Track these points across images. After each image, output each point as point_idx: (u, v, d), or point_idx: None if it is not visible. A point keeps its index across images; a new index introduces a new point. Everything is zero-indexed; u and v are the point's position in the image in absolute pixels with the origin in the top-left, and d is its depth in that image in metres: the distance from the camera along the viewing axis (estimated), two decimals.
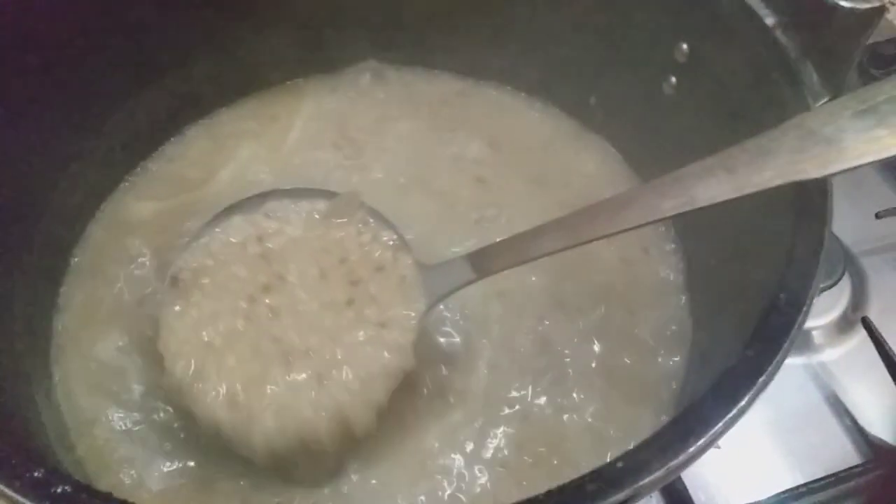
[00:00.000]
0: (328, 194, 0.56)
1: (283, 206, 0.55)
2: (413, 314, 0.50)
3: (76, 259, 0.63)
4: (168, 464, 0.52)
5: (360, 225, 0.54)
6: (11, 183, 0.55)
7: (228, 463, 0.51)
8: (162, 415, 0.54)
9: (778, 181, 0.40)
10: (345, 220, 0.54)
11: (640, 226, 0.44)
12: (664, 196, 0.43)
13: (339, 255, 0.53)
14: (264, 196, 0.55)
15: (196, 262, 0.52)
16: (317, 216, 0.55)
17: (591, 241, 0.46)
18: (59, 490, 0.33)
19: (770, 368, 0.37)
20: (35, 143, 0.57)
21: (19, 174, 0.56)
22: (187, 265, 0.52)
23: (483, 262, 0.50)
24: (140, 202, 0.67)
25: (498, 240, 0.51)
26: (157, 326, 0.50)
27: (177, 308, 0.50)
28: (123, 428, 0.54)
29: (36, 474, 0.33)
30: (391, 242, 0.54)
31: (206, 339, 0.49)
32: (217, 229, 0.54)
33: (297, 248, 0.53)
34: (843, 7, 0.45)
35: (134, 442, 0.53)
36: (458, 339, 0.58)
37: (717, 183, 0.42)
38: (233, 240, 0.53)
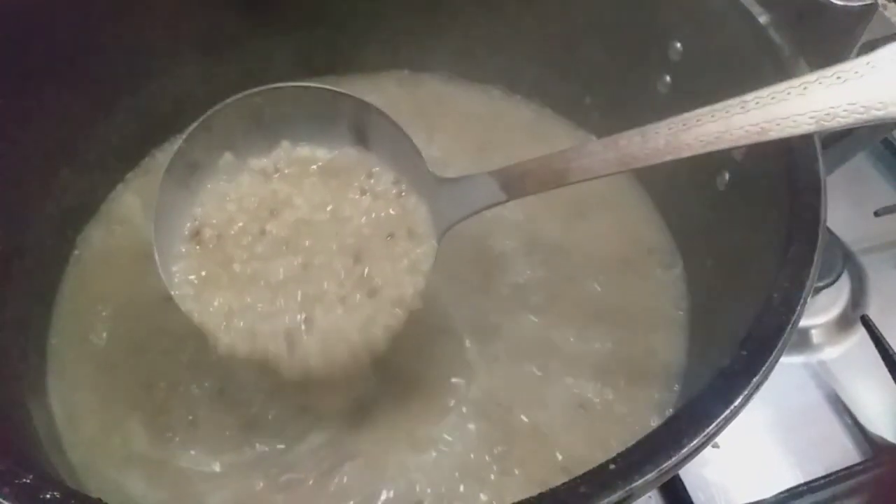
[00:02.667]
0: (330, 94, 0.52)
1: (286, 155, 0.53)
2: (422, 279, 0.49)
3: (73, 259, 0.63)
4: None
5: (364, 179, 0.52)
6: (5, 186, 0.55)
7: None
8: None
9: (858, 117, 0.34)
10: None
11: (699, 153, 0.38)
12: (730, 123, 0.37)
13: (353, 252, 0.50)
14: (258, 100, 0.51)
15: (216, 220, 0.50)
16: (316, 166, 0.53)
17: (642, 166, 0.40)
18: (48, 496, 0.32)
19: (764, 368, 0.37)
20: (28, 146, 0.57)
21: (14, 176, 0.56)
22: (208, 220, 0.50)
23: (514, 180, 0.43)
24: (137, 200, 0.67)
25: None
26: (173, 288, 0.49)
27: (203, 272, 0.49)
28: (118, 430, 0.54)
29: (25, 480, 0.33)
30: (394, 190, 0.51)
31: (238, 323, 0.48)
32: (223, 179, 0.52)
33: (314, 236, 0.51)
34: (835, 5, 0.45)
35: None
36: None
37: (793, 112, 0.35)
38: (247, 204, 0.51)
